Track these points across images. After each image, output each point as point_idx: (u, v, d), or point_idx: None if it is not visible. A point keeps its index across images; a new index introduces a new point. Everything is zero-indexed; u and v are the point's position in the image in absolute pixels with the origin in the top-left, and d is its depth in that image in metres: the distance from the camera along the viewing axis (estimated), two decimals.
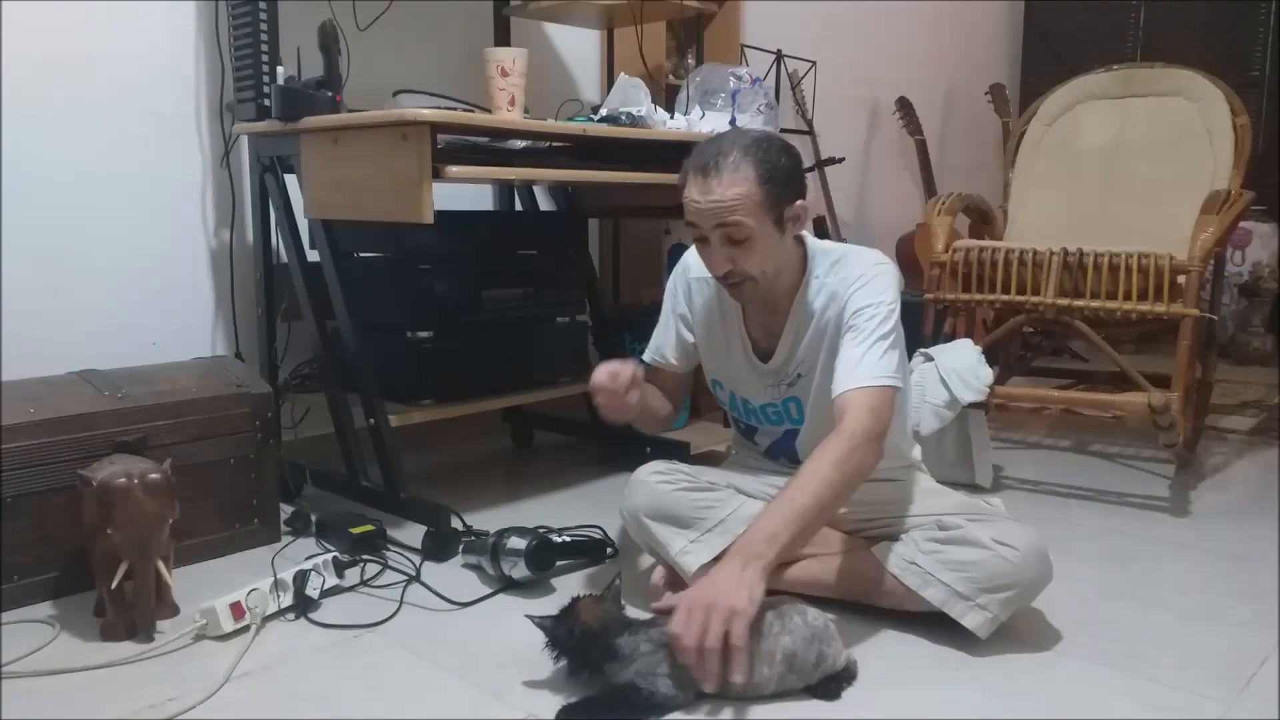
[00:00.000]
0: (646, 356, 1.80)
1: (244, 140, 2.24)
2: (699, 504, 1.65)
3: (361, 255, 2.26)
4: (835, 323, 1.58)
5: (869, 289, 1.56)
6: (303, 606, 1.62)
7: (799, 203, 1.54)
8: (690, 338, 1.76)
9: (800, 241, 1.62)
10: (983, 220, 2.84)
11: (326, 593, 1.68)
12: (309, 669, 1.45)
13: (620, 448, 2.48)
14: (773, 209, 1.50)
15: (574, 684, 1.36)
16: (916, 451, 1.79)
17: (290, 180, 2.12)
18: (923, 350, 2.32)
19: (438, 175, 1.82)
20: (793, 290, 1.62)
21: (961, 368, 2.23)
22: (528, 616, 1.39)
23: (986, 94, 4.24)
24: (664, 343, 1.79)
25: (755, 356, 1.69)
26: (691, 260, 1.73)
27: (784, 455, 1.75)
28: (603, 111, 2.23)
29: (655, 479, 1.67)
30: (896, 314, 1.55)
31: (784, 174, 1.50)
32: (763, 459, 1.80)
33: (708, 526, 1.64)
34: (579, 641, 1.34)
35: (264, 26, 1.98)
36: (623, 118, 2.18)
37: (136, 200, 2.15)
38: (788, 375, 1.67)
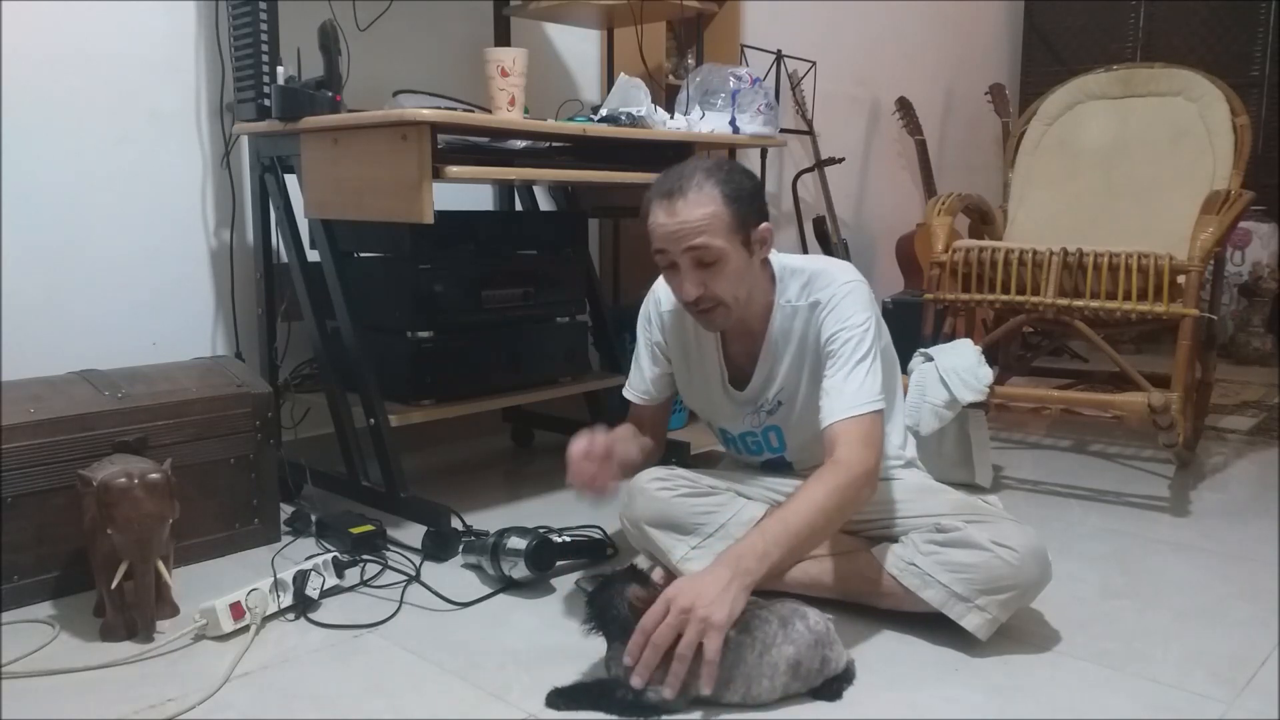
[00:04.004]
0: (631, 396, 1.79)
1: (244, 140, 2.24)
2: (699, 509, 1.66)
3: (361, 255, 2.26)
4: (814, 349, 1.58)
5: (839, 312, 1.55)
6: (303, 606, 1.62)
7: (764, 225, 1.54)
8: (668, 367, 1.76)
9: (768, 264, 1.61)
10: (983, 220, 2.84)
11: (326, 593, 1.68)
12: (309, 669, 1.45)
13: None
14: (740, 229, 1.50)
15: (571, 676, 1.36)
16: (912, 448, 1.79)
17: (290, 180, 2.12)
18: (923, 350, 2.32)
19: (438, 175, 1.82)
20: (766, 312, 1.61)
21: (961, 367, 2.23)
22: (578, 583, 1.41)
23: (986, 94, 4.24)
24: (646, 378, 1.77)
25: (731, 386, 1.69)
26: (662, 293, 1.71)
27: (780, 469, 1.76)
28: (603, 111, 2.23)
29: (655, 486, 1.67)
30: (872, 330, 1.54)
31: (749, 195, 1.51)
32: (759, 470, 1.79)
33: (709, 532, 1.64)
34: (620, 614, 1.32)
35: (264, 26, 1.98)
36: (623, 118, 2.18)
37: (136, 200, 2.16)
38: (767, 403, 1.67)
